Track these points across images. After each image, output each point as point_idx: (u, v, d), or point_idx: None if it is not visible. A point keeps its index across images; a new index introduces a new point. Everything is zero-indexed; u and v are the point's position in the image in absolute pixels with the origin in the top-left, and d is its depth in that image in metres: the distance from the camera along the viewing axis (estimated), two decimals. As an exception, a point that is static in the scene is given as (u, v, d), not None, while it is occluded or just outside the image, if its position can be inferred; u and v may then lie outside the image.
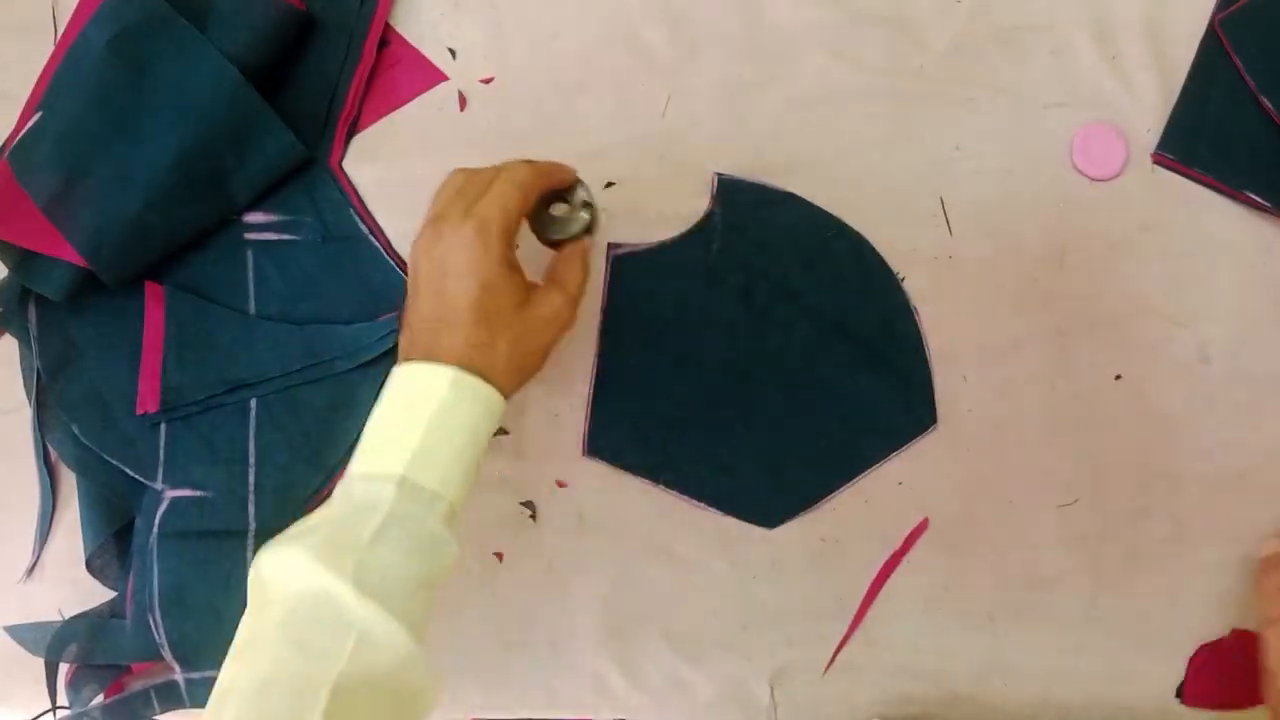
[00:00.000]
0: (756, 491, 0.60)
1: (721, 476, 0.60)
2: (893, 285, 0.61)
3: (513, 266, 0.50)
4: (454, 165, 0.64)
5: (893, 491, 0.60)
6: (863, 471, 0.59)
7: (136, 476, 0.61)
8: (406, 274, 0.54)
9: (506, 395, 0.49)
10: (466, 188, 0.51)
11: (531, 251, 0.56)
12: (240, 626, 0.45)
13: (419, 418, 0.47)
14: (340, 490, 0.47)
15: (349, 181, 0.64)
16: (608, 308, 0.62)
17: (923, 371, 0.60)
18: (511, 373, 0.49)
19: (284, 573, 0.44)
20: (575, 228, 0.55)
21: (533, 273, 0.63)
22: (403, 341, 0.51)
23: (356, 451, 0.48)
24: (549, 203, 0.55)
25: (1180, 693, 0.57)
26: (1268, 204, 0.60)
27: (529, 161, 0.52)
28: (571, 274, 0.53)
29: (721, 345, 0.61)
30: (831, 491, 0.60)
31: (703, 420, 0.61)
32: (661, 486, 0.60)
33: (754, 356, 0.61)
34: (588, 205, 0.55)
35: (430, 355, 0.48)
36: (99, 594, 0.62)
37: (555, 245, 0.56)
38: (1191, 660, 0.58)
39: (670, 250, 0.62)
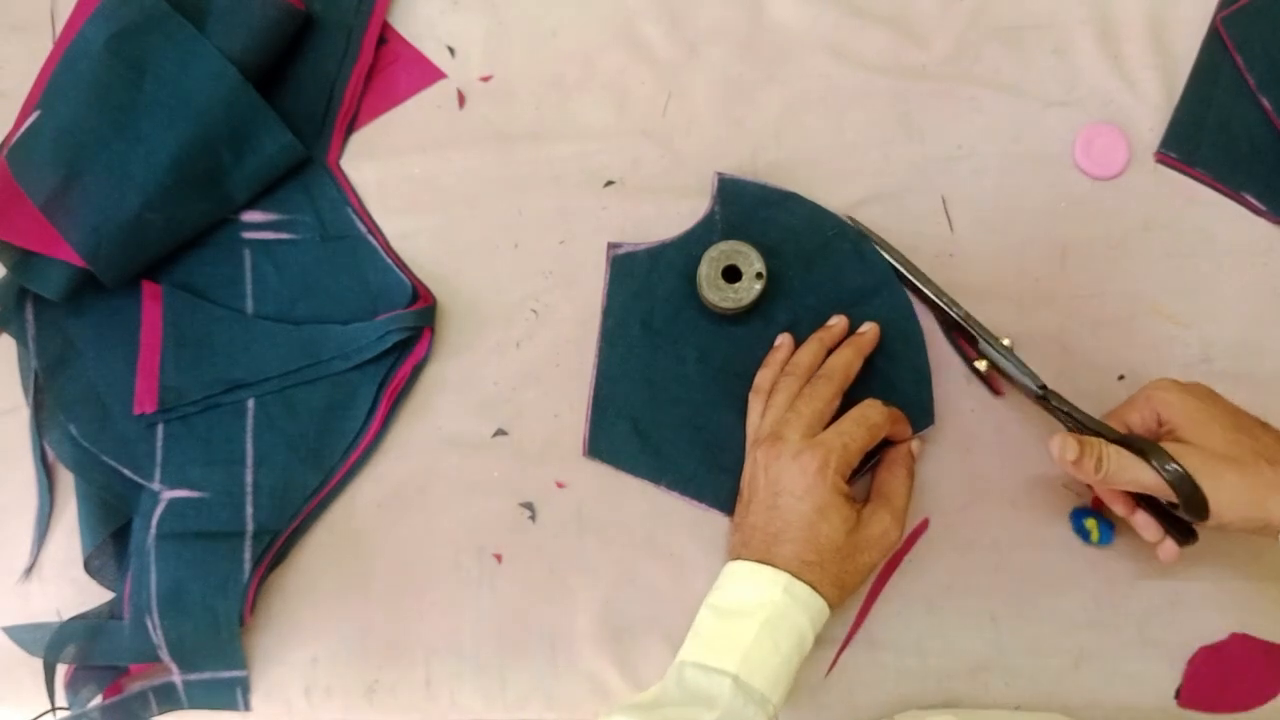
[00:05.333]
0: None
1: (722, 477, 0.60)
2: (893, 285, 0.61)
3: (846, 496, 0.53)
4: (452, 163, 0.64)
5: (893, 492, 0.60)
6: (864, 472, 0.59)
7: (134, 477, 0.61)
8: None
9: (835, 605, 0.53)
10: (805, 409, 0.54)
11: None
12: None
13: (753, 619, 0.51)
14: (673, 673, 0.52)
15: (347, 180, 0.64)
16: (608, 308, 0.62)
17: (923, 371, 0.60)
18: (836, 588, 0.52)
19: None
20: (747, 299, 0.58)
21: (533, 271, 0.63)
22: (735, 541, 0.56)
23: (692, 635, 0.53)
24: (726, 273, 0.59)
25: (1178, 695, 0.57)
26: (1264, 207, 0.60)
27: (883, 406, 0.55)
28: (897, 488, 0.56)
29: (721, 345, 0.61)
30: None
31: (703, 420, 0.60)
32: (662, 487, 0.60)
33: (754, 357, 0.60)
34: (760, 276, 0.58)
35: (765, 559, 0.52)
36: (97, 595, 0.61)
37: (722, 313, 0.60)
38: (1190, 662, 0.58)
39: (670, 250, 0.62)
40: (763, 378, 0.59)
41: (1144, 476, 0.50)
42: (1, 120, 0.63)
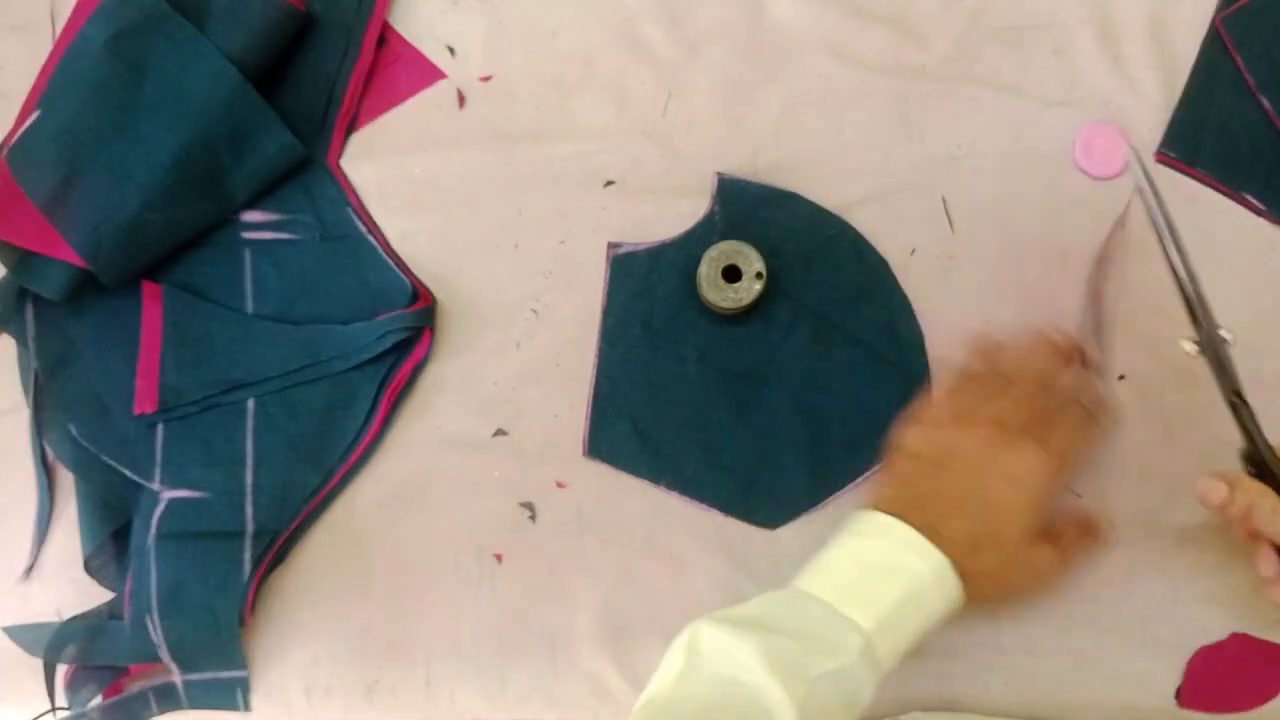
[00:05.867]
0: (757, 493, 0.60)
1: (722, 477, 0.60)
2: (893, 285, 0.61)
3: (1053, 517, 0.52)
4: (452, 163, 0.64)
5: (893, 492, 0.60)
6: (864, 473, 0.59)
7: (134, 477, 0.61)
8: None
9: (964, 603, 0.50)
10: (1039, 397, 0.53)
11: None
12: (662, 675, 0.47)
13: (897, 585, 0.48)
14: (793, 599, 0.49)
15: (347, 180, 0.64)
16: (608, 308, 0.62)
17: (922, 371, 0.60)
18: (977, 589, 0.50)
19: (728, 658, 0.45)
20: (747, 299, 0.58)
21: (533, 271, 0.63)
22: (889, 493, 0.52)
23: (820, 571, 0.50)
24: (726, 272, 0.59)
25: (1178, 695, 0.57)
26: (1264, 208, 0.60)
27: (1101, 406, 0.55)
28: (1074, 541, 0.55)
29: (721, 345, 0.61)
30: (833, 493, 0.60)
31: (703, 420, 0.60)
32: (662, 487, 0.60)
33: (754, 357, 0.60)
34: (760, 276, 0.58)
35: (929, 529, 0.49)
36: (97, 595, 0.61)
37: (722, 313, 0.60)
38: (1190, 662, 0.58)
39: (670, 250, 0.62)
40: (982, 351, 0.56)
41: None
42: (1, 120, 0.63)
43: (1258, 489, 0.50)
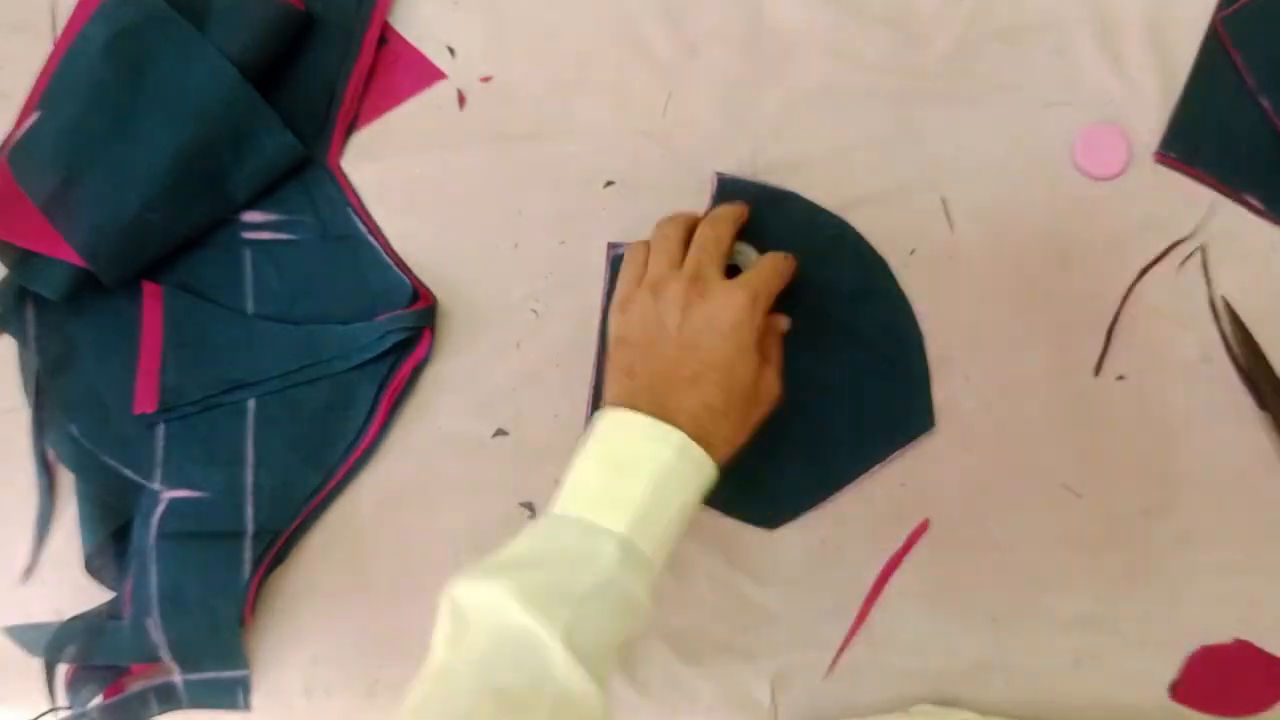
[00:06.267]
0: (757, 492, 0.60)
1: (721, 477, 0.60)
2: (893, 285, 0.61)
3: (757, 343, 0.51)
4: (452, 163, 0.64)
5: (893, 492, 0.60)
6: (864, 472, 0.59)
7: (134, 477, 0.61)
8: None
9: (718, 465, 0.49)
10: (713, 248, 0.53)
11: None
12: (434, 646, 0.45)
13: (643, 478, 0.46)
14: (546, 526, 0.47)
15: (347, 180, 0.64)
16: (608, 307, 0.62)
17: (922, 371, 0.60)
18: (728, 445, 0.50)
19: (488, 608, 0.43)
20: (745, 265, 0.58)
21: (533, 271, 0.63)
22: (620, 389, 0.51)
23: (570, 487, 0.48)
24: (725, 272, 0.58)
25: (1173, 689, 0.57)
26: (1264, 208, 0.60)
27: (787, 256, 0.55)
28: (775, 353, 0.55)
29: None
30: (833, 492, 0.60)
31: None
32: None
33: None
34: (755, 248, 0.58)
35: (661, 410, 0.48)
36: (97, 595, 0.61)
37: None
38: (1190, 659, 0.58)
39: None
40: (635, 248, 0.56)
41: None
42: (1, 120, 0.63)
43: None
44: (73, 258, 0.59)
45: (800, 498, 0.60)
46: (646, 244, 0.56)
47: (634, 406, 0.48)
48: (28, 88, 0.63)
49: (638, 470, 0.47)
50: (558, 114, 0.64)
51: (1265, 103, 0.60)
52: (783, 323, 0.57)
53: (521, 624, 0.42)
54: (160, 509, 0.60)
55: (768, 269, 0.54)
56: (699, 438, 0.48)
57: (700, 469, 0.48)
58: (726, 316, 0.50)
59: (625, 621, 0.45)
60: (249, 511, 0.60)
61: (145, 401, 0.60)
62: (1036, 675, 0.58)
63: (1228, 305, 0.55)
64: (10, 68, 0.65)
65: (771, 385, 0.53)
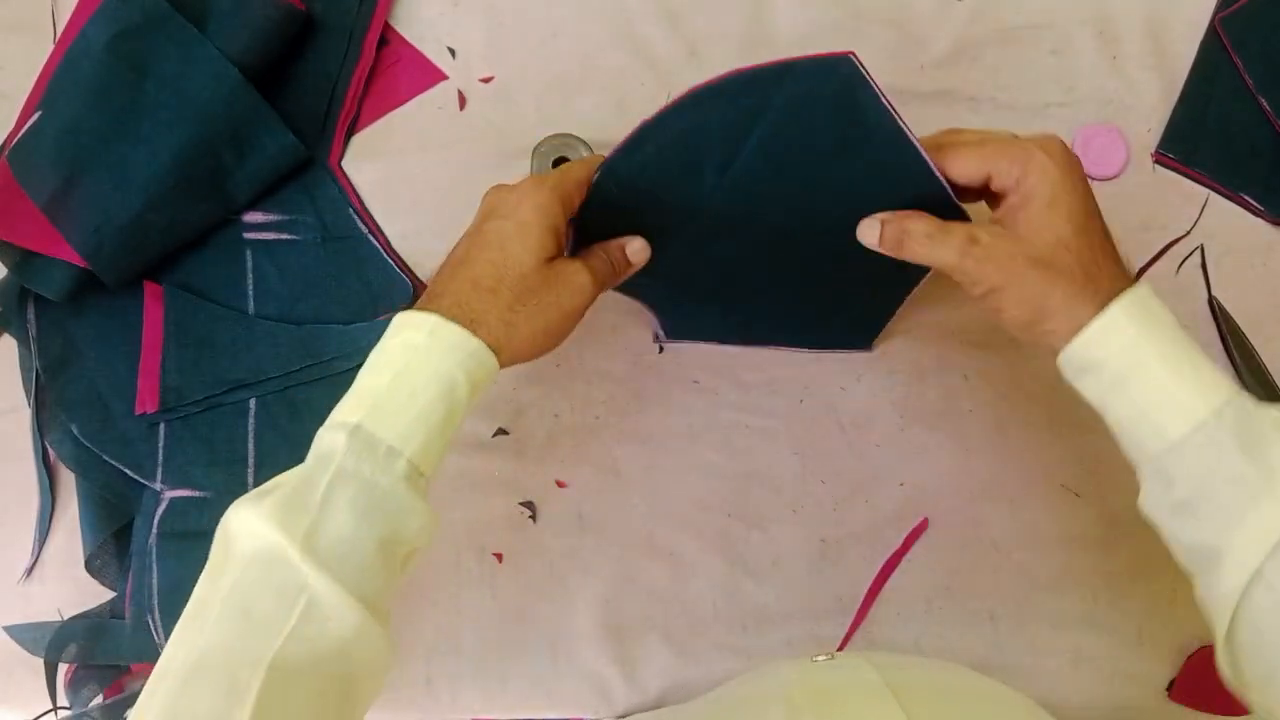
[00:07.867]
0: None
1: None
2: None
3: (555, 230, 0.47)
4: (453, 164, 0.64)
5: (893, 491, 0.60)
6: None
7: (135, 477, 0.61)
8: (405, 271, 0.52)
9: (506, 355, 0.46)
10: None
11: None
12: (195, 589, 0.43)
13: (388, 366, 0.44)
14: (317, 439, 0.45)
15: (348, 181, 0.64)
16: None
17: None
18: (506, 325, 0.46)
19: (248, 533, 0.42)
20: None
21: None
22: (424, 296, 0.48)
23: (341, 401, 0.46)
24: (556, 166, 0.57)
25: (1171, 687, 0.57)
26: (1263, 208, 0.60)
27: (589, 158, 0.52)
28: (600, 263, 0.51)
29: (753, 214, 0.53)
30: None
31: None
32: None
33: (790, 216, 0.53)
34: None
35: (429, 298, 0.46)
36: (98, 594, 0.61)
37: None
38: (1189, 659, 0.58)
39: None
40: None
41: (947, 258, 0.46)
42: (2, 121, 0.63)
43: (905, 214, 0.47)
44: (74, 258, 0.59)
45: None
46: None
47: (421, 308, 0.46)
48: (28, 88, 0.63)
49: (387, 363, 0.45)
50: (557, 114, 0.64)
51: (1264, 103, 0.61)
52: (634, 243, 0.52)
53: (267, 541, 0.41)
54: (161, 508, 0.60)
55: (568, 164, 0.51)
56: (463, 317, 0.45)
57: (457, 347, 0.44)
58: (509, 198, 0.47)
59: (377, 519, 0.43)
60: (250, 511, 0.60)
61: (147, 401, 0.61)
62: (1035, 674, 0.58)
63: (1220, 306, 0.55)
64: (10, 68, 0.66)
65: (583, 284, 0.48)
